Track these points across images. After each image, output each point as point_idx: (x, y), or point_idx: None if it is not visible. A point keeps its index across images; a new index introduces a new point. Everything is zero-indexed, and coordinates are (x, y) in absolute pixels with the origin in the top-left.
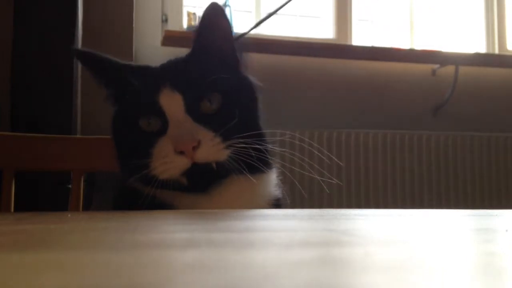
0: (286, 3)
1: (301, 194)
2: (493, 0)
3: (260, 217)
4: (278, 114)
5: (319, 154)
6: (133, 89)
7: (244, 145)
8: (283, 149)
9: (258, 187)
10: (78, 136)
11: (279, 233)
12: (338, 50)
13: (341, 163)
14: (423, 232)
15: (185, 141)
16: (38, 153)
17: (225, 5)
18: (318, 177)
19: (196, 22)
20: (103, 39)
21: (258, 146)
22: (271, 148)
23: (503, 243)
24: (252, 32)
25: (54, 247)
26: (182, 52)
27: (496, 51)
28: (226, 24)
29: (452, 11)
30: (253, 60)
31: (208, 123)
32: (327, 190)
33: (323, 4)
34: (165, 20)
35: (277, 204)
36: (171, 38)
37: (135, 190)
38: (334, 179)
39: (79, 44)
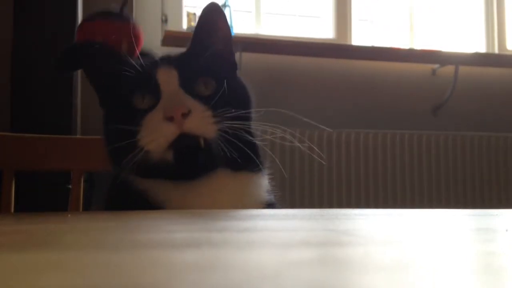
0: None
1: (300, 194)
2: (493, 0)
3: (260, 217)
4: (278, 113)
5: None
6: (132, 67)
7: (235, 126)
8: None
9: (248, 187)
10: (78, 136)
11: (279, 233)
12: (338, 50)
13: (341, 163)
14: (423, 232)
15: (175, 106)
16: (38, 153)
17: (224, 5)
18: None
19: (196, 22)
20: None
21: (249, 137)
22: (261, 140)
23: (503, 243)
24: (252, 32)
25: (54, 247)
26: None
27: (496, 51)
28: (224, 25)
29: (452, 11)
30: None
31: (200, 100)
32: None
33: (323, 4)
34: (165, 20)
35: (270, 205)
36: (171, 38)
37: (126, 187)
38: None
39: None
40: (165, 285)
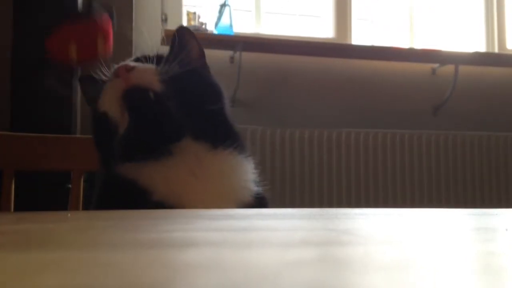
0: None
1: (300, 193)
2: (492, 0)
3: (260, 216)
4: (278, 113)
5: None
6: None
7: (188, 86)
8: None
9: (228, 164)
10: (78, 136)
11: (279, 232)
12: (338, 49)
13: (341, 163)
14: (423, 232)
15: (121, 65)
16: (38, 153)
17: (224, 4)
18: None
19: (196, 22)
20: None
21: (213, 107)
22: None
23: (503, 243)
24: (252, 31)
25: (54, 247)
26: None
27: (496, 50)
28: (195, 44)
29: (451, 11)
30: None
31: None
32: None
33: (323, 3)
34: (165, 20)
35: (260, 198)
36: (171, 38)
37: (115, 180)
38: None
39: None
40: (165, 285)
